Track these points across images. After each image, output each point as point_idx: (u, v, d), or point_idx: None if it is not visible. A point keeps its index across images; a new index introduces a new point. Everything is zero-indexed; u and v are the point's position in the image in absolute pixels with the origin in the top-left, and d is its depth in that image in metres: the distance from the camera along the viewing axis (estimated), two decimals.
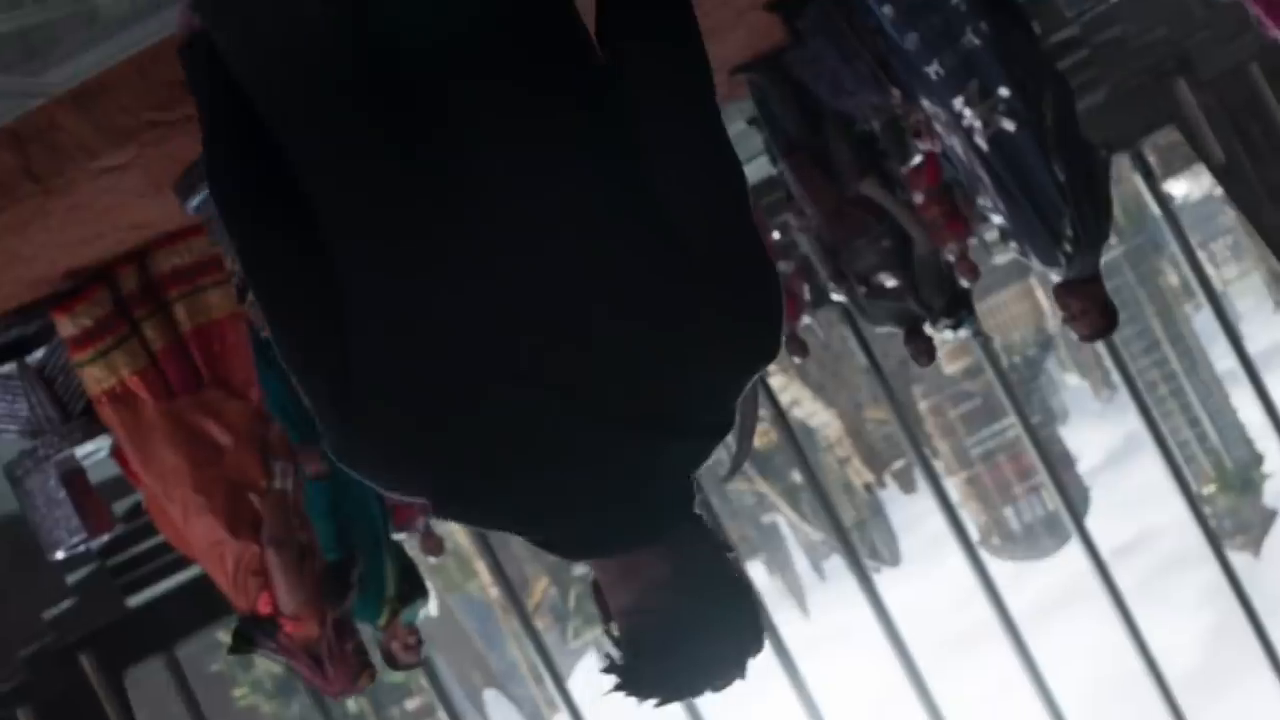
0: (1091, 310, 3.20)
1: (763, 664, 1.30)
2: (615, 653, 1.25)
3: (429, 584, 7.01)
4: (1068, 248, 3.16)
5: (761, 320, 1.23)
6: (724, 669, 1.26)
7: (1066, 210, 3.12)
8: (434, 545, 6.34)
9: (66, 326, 3.01)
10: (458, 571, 33.79)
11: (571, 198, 1.18)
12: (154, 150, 2.54)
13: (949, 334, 4.65)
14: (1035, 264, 3.26)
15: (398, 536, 6.41)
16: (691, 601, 1.23)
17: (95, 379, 3.00)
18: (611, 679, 1.24)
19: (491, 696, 37.98)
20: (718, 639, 1.25)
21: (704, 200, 1.21)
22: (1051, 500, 44.62)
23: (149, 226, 3.04)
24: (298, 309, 1.24)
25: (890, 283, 4.53)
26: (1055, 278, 3.26)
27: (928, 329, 4.69)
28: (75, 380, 3.11)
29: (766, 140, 6.47)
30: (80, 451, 3.22)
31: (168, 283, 3.07)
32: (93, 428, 3.15)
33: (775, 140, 4.75)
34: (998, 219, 3.32)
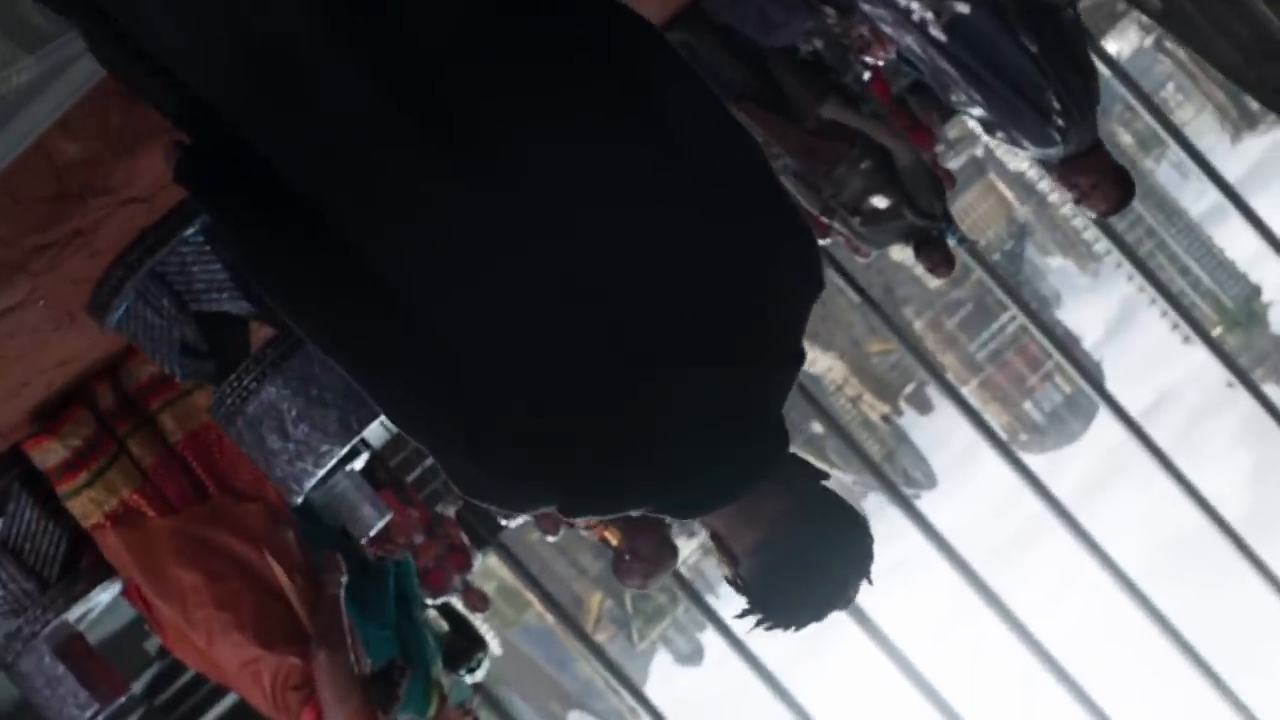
0: (1103, 181, 2.95)
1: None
2: (746, 594, 1.31)
3: (483, 629, 6.87)
4: (1059, 122, 2.91)
5: (799, 240, 1.31)
6: (849, 585, 1.32)
7: (1048, 83, 2.88)
8: (478, 599, 6.21)
9: (52, 453, 2.84)
10: (509, 608, 33.60)
11: (606, 162, 1.22)
12: (48, 278, 2.29)
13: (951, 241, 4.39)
14: (1032, 151, 3.00)
15: (436, 603, 6.21)
16: (814, 527, 1.30)
17: (94, 504, 2.82)
18: (750, 621, 1.32)
19: (576, 717, 37.90)
20: (841, 558, 1.32)
21: (723, 141, 1.28)
22: (1067, 383, 44.56)
23: (77, 359, 2.78)
24: (392, 372, 1.27)
25: (883, 203, 4.34)
26: (1052, 157, 2.99)
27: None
28: (47, 541, 2.86)
29: None
30: (73, 614, 2.95)
31: (147, 394, 2.91)
32: (77, 588, 2.91)
33: (719, 93, 4.47)
34: (976, 111, 3.07)
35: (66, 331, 2.60)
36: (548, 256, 1.20)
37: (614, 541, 2.95)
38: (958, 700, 8.15)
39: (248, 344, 2.61)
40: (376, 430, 6.34)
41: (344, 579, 2.79)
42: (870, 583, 1.33)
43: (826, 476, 1.34)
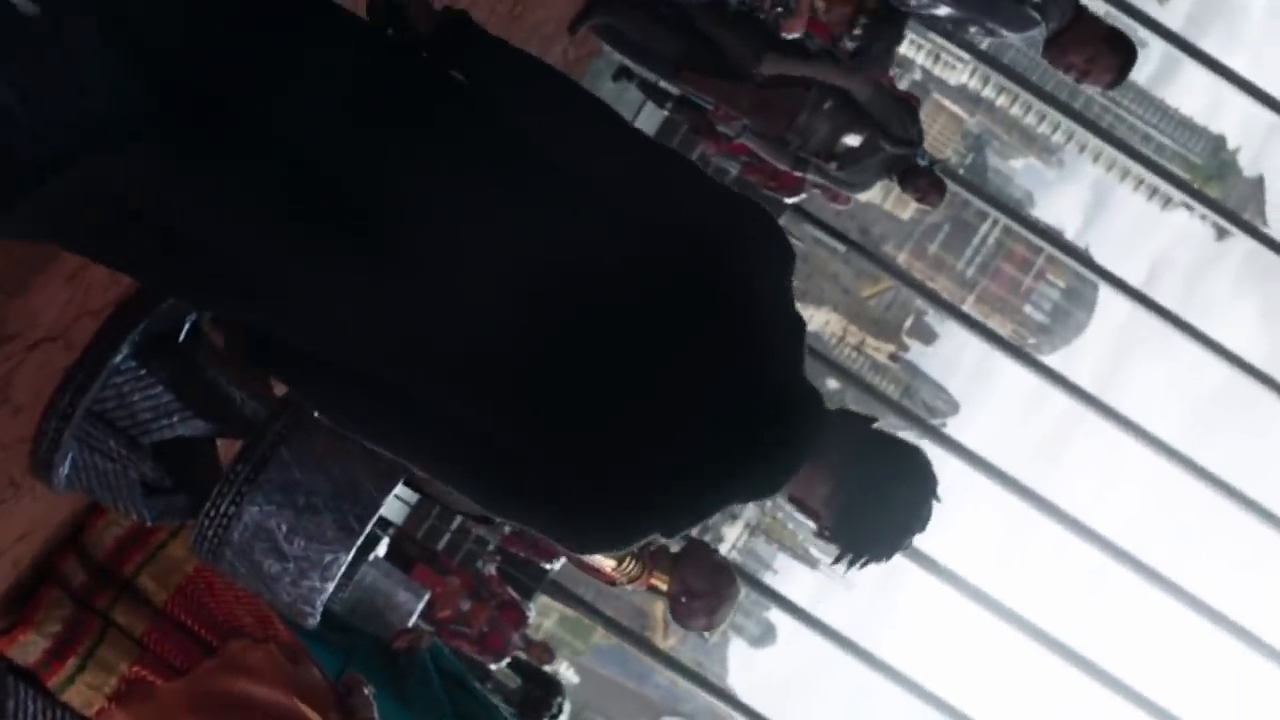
0: (1099, 53, 2.69)
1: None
2: (835, 540, 1.44)
3: (555, 671, 6.62)
4: None
5: (744, 219, 1.38)
6: (921, 506, 1.46)
7: None
8: (541, 652, 5.98)
9: (31, 646, 2.54)
10: (575, 637, 33.35)
11: (523, 204, 1.31)
12: None
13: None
14: (1013, 38, 2.72)
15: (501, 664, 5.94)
16: (873, 464, 1.43)
17: (92, 689, 2.53)
18: (843, 564, 1.45)
19: None
20: (906, 485, 1.45)
21: (621, 150, 1.37)
22: (1061, 277, 44.34)
23: (37, 528, 2.48)
24: (480, 471, 1.36)
25: (855, 141, 4.08)
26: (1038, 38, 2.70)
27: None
28: None
29: (643, 83, 5.92)
30: None
31: (119, 559, 2.63)
32: None
33: (657, 69, 4.21)
34: (943, 10, 2.78)
35: (14, 503, 2.30)
36: (499, 305, 1.31)
37: (664, 586, 2.71)
38: (1035, 615, 8.02)
39: (217, 465, 2.32)
40: (395, 506, 6.12)
41: (369, 691, 2.51)
42: (939, 499, 1.46)
43: (873, 420, 1.47)
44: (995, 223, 41.76)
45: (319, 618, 2.26)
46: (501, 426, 1.34)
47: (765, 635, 42.59)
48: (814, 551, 37.71)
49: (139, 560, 2.61)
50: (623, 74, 5.72)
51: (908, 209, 40.76)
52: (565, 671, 32.24)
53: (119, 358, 2.16)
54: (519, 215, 1.31)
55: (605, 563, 2.63)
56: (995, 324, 43.02)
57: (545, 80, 1.39)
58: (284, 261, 1.29)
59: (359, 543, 2.18)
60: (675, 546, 2.77)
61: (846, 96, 3.86)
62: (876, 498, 1.42)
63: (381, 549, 3.10)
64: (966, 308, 40.97)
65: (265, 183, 1.27)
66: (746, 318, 1.34)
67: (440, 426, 1.35)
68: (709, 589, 2.70)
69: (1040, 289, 45.06)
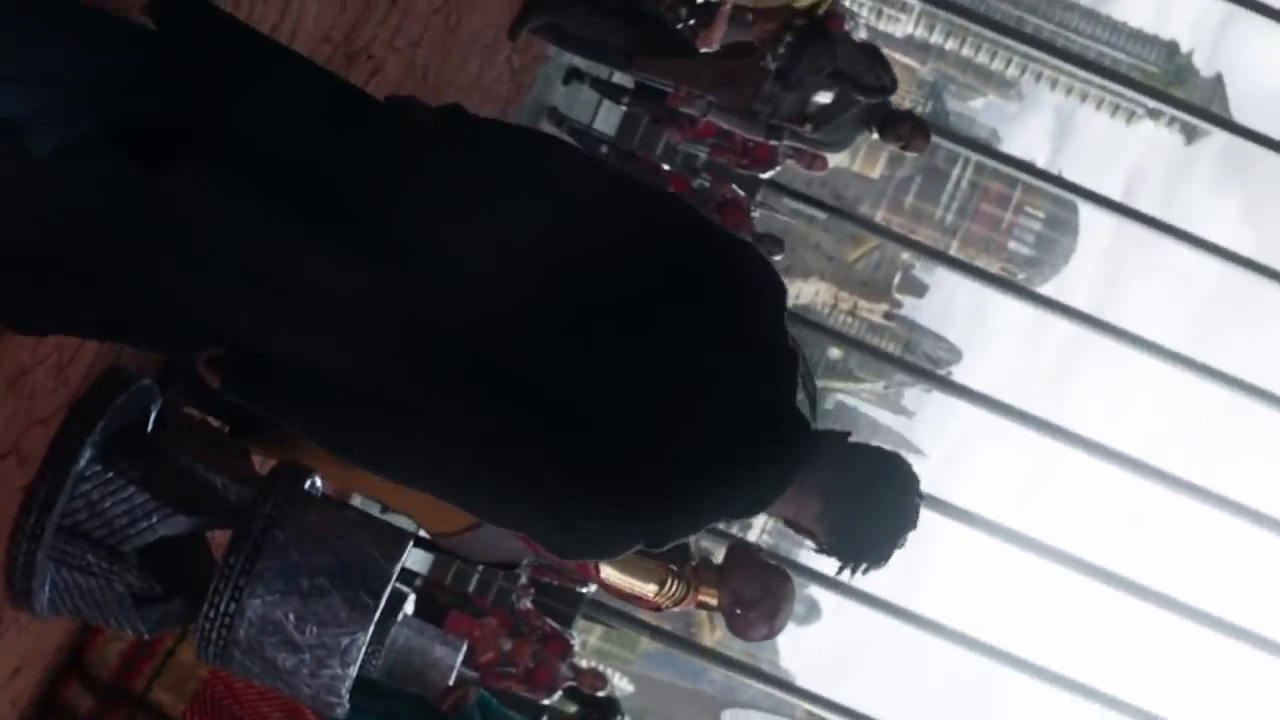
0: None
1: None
2: (833, 554, 1.54)
3: (612, 689, 6.44)
4: None
5: (728, 261, 1.47)
6: (909, 508, 1.54)
7: None
8: (594, 679, 5.84)
9: None
10: (622, 648, 33.18)
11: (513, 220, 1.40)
12: None
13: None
14: None
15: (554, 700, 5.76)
16: (857, 477, 1.52)
17: None
18: (845, 573, 1.55)
19: (729, 715, 37.57)
20: (891, 490, 1.53)
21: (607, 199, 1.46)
22: (1040, 208, 44.16)
23: (32, 659, 2.29)
24: (479, 474, 1.42)
25: (826, 98, 3.92)
26: None
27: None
28: None
29: (595, 81, 5.74)
30: None
31: (127, 676, 2.47)
32: None
33: (610, 61, 4.03)
34: None
35: (0, 639, 2.11)
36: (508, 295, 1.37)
37: (714, 601, 2.52)
38: (1070, 545, 7.96)
39: (210, 561, 2.12)
40: (420, 557, 5.96)
41: None
42: (921, 498, 1.54)
43: (848, 435, 1.54)
44: (967, 164, 41.62)
45: (347, 705, 2.07)
46: (501, 427, 1.38)
47: (810, 613, 42.38)
48: None
49: (148, 672, 2.45)
50: (573, 76, 5.55)
51: (876, 167, 40.61)
52: (619, 682, 32.04)
53: (82, 464, 1.98)
54: (514, 222, 1.39)
55: (646, 588, 2.43)
56: (983, 264, 42.86)
57: (538, 140, 1.51)
58: (295, 259, 1.36)
59: (376, 618, 1.99)
60: (718, 556, 2.58)
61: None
62: (866, 506, 1.50)
63: (409, 606, 2.92)
64: (952, 253, 40.86)
65: (260, 185, 1.36)
66: (749, 339, 1.43)
67: (434, 429, 1.39)
68: (762, 594, 2.51)
69: (1021, 222, 44.93)
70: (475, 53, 3.74)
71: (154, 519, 2.01)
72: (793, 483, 1.45)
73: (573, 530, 1.42)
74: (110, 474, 1.99)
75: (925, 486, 1.56)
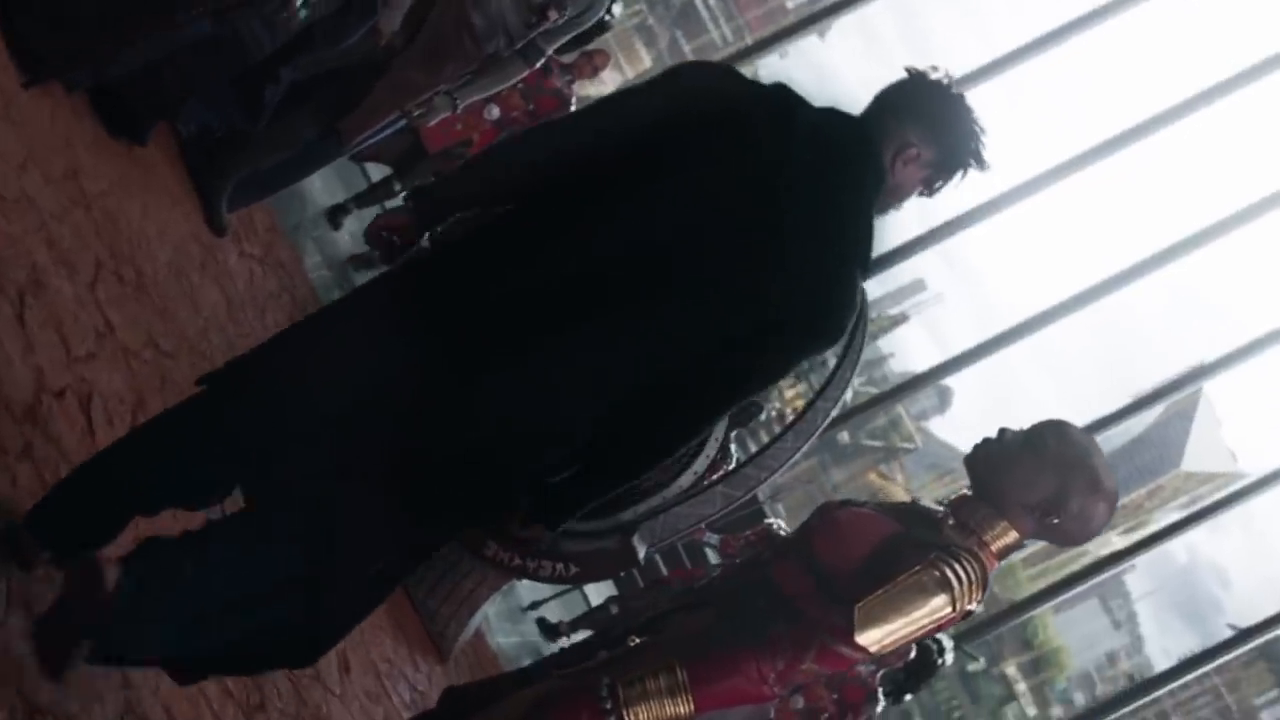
0: None
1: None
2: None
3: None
4: None
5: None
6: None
7: None
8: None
9: None
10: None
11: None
12: None
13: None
14: None
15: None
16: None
17: None
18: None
19: None
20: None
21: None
22: None
23: None
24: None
25: (554, 14, 3.57)
26: None
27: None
28: None
29: (360, 198, 5.10)
30: None
31: None
32: None
33: (323, 157, 3.41)
34: None
35: None
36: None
37: (1012, 536, 2.05)
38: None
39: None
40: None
41: None
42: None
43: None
44: None
45: None
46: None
47: (943, 400, 41.59)
48: (891, 313, 35.97)
49: None
50: (337, 212, 4.89)
51: (639, 61, 39.99)
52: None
53: None
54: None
55: (938, 610, 1.94)
56: None
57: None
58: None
59: None
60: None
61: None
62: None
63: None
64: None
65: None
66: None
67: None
68: (1056, 482, 2.03)
69: None
70: (203, 278, 2.94)
71: None
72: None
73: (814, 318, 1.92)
74: None
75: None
